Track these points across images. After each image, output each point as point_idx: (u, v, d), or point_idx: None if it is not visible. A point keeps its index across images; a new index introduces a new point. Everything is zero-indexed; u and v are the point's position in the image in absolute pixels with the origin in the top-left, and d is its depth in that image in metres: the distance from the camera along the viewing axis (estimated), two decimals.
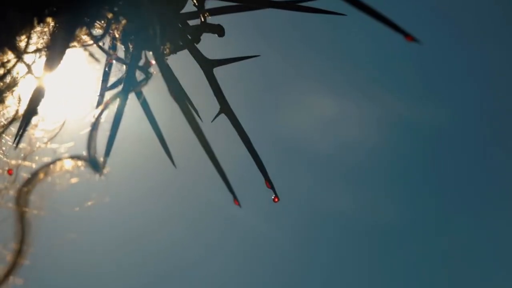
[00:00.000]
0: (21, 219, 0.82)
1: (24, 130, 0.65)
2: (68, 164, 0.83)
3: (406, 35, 0.63)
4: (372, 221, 3.65)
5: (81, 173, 0.86)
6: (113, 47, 0.74)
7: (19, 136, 0.65)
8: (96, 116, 0.79)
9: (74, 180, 0.86)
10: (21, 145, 0.82)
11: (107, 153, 0.69)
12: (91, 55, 0.82)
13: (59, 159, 0.83)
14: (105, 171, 0.82)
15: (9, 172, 0.83)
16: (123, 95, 0.70)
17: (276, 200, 0.76)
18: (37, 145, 0.81)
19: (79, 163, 0.83)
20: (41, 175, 0.82)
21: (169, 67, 0.72)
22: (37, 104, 0.65)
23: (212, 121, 0.76)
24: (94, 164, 0.83)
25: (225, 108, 0.76)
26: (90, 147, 0.81)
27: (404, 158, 3.71)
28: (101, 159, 0.83)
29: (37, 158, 0.83)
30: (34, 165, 0.83)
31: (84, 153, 0.83)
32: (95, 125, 0.80)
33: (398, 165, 3.71)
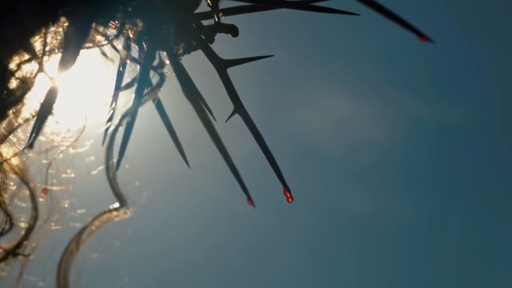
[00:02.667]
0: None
1: (39, 130, 0.65)
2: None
3: (420, 34, 0.63)
4: (387, 222, 3.64)
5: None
6: (127, 47, 0.74)
7: (33, 137, 0.65)
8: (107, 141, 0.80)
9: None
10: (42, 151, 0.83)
11: (121, 155, 0.69)
12: (104, 55, 0.82)
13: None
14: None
15: (44, 192, 0.84)
16: (137, 95, 0.70)
17: (290, 200, 0.75)
18: (58, 151, 0.82)
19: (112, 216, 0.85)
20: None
21: (183, 67, 0.72)
22: (52, 105, 0.65)
23: (226, 122, 0.76)
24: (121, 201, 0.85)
25: (239, 108, 0.76)
26: (112, 182, 0.83)
27: (419, 159, 3.70)
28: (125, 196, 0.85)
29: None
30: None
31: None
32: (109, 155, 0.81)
33: (413, 165, 3.70)
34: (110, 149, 0.88)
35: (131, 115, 0.69)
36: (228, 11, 0.80)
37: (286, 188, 0.73)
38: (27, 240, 0.82)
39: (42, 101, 0.65)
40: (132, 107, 0.69)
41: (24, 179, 0.81)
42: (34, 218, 0.82)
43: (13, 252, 0.80)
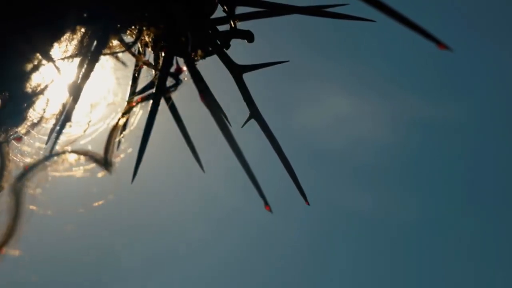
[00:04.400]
0: (16, 208, 0.81)
1: (59, 135, 0.66)
2: (72, 157, 0.82)
3: (438, 43, 0.63)
4: (385, 220, 3.65)
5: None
6: (144, 53, 0.75)
7: (53, 142, 0.66)
8: (120, 120, 0.80)
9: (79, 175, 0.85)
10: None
11: (139, 159, 0.69)
12: (119, 60, 0.82)
13: (63, 152, 0.82)
14: (113, 169, 0.82)
15: (26, 167, 0.83)
16: (154, 101, 0.71)
17: (307, 203, 0.76)
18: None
19: (83, 157, 0.83)
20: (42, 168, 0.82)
21: (200, 74, 0.72)
22: (72, 110, 0.66)
23: (242, 127, 0.76)
24: (105, 163, 0.83)
25: (254, 113, 0.76)
26: (108, 147, 0.82)
27: (417, 157, 3.71)
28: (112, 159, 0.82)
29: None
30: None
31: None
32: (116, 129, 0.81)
33: (411, 164, 3.71)
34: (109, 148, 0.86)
35: (148, 121, 0.70)
36: (241, 17, 0.80)
37: (302, 193, 0.74)
38: None
39: (63, 106, 0.66)
40: (150, 114, 0.70)
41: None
42: None
43: None
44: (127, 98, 0.81)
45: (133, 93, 0.81)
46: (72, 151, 0.78)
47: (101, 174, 0.78)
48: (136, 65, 0.79)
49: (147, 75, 0.81)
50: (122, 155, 0.78)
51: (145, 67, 0.80)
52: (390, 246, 3.70)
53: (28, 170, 0.74)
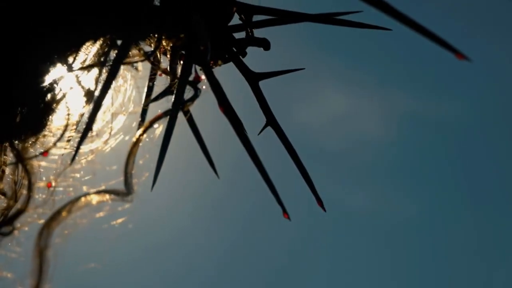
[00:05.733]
0: (40, 256, 0.82)
1: (80, 144, 0.66)
2: (95, 199, 0.83)
3: (457, 53, 0.64)
4: (382, 218, 3.66)
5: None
6: (163, 61, 0.75)
7: (75, 150, 0.67)
8: (138, 136, 0.81)
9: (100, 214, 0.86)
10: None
11: (158, 170, 0.70)
12: (135, 67, 0.83)
13: (86, 195, 0.83)
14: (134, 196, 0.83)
15: (48, 185, 0.84)
16: (173, 110, 0.71)
17: (319, 205, 0.77)
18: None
19: (107, 197, 0.84)
20: (65, 213, 0.83)
21: (219, 82, 0.73)
22: (94, 120, 0.66)
23: (258, 134, 0.77)
24: (128, 189, 0.84)
25: (271, 121, 0.77)
26: (127, 175, 0.83)
27: (415, 155, 3.72)
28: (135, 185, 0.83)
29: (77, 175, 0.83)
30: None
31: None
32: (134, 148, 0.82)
33: (409, 162, 3.72)
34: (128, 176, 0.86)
35: (167, 130, 0.70)
36: (255, 24, 0.81)
37: (319, 200, 0.75)
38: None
39: (85, 116, 0.66)
40: (169, 123, 0.70)
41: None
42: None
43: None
44: (143, 105, 0.82)
45: (149, 99, 0.82)
46: (94, 193, 0.79)
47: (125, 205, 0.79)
48: (152, 74, 0.79)
49: (163, 81, 0.82)
50: (143, 178, 0.79)
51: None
52: (389, 245, 3.71)
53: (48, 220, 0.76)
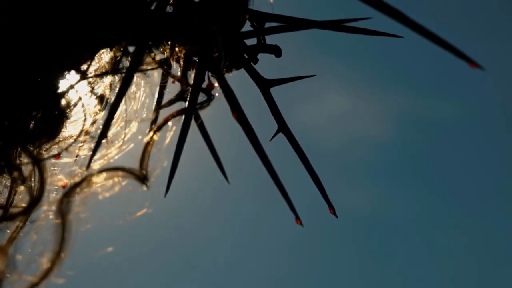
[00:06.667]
0: (62, 227, 0.83)
1: (96, 151, 0.66)
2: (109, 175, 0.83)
3: (470, 62, 0.64)
4: (380, 218, 3.67)
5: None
6: (175, 69, 0.76)
7: (91, 157, 0.67)
8: (152, 133, 0.81)
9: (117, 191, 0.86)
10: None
11: (171, 175, 0.70)
12: (146, 74, 0.83)
13: (102, 171, 0.83)
14: (150, 183, 0.83)
15: (63, 185, 0.84)
16: (187, 117, 0.71)
17: (332, 211, 0.77)
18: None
19: (121, 174, 0.84)
20: (84, 186, 0.83)
21: (232, 90, 0.73)
22: (108, 127, 0.66)
23: (270, 140, 0.77)
24: (142, 177, 0.84)
25: (282, 127, 0.77)
26: (143, 161, 0.83)
27: (414, 154, 3.73)
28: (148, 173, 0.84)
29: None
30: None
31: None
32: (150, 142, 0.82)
33: (407, 161, 3.72)
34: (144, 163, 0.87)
35: (181, 137, 0.71)
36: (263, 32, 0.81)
37: (331, 207, 0.75)
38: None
39: (99, 123, 0.67)
40: (182, 129, 0.70)
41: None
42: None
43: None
44: (154, 109, 0.82)
45: (160, 105, 0.82)
46: (108, 169, 0.78)
47: (139, 189, 0.79)
48: (163, 80, 0.80)
49: (173, 87, 0.82)
50: (158, 170, 0.79)
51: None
52: (388, 244, 3.71)
53: (68, 189, 0.75)
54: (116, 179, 0.78)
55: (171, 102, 0.82)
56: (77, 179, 0.75)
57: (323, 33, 0.82)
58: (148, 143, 0.78)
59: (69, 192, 0.75)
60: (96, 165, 0.77)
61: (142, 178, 0.79)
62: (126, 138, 0.77)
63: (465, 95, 3.60)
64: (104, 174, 0.78)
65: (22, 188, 0.71)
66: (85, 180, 0.75)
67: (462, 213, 3.78)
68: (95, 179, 0.76)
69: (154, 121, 0.82)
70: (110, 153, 0.77)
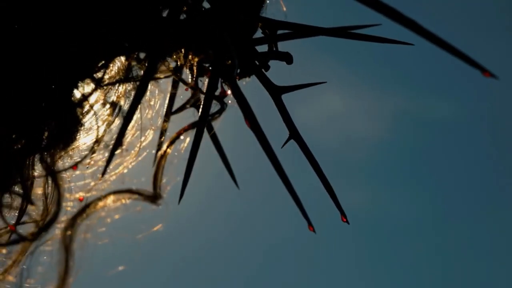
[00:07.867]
0: (66, 250, 0.83)
1: (110, 161, 0.67)
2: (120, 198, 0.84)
3: (484, 70, 0.64)
4: (377, 217, 3.68)
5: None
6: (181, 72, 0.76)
7: (105, 168, 0.67)
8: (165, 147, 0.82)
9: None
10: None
11: (184, 184, 0.70)
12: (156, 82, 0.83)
13: (113, 193, 0.84)
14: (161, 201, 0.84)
15: (80, 199, 0.84)
16: (200, 125, 0.72)
17: (344, 220, 0.77)
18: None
19: (134, 196, 0.84)
20: (92, 208, 0.83)
21: (245, 97, 0.73)
22: (123, 136, 0.67)
23: (281, 147, 0.77)
24: (154, 197, 0.85)
25: (294, 134, 0.77)
26: (156, 178, 0.84)
27: (411, 154, 3.73)
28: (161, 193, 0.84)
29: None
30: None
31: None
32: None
33: (405, 160, 3.73)
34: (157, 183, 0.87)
35: (194, 145, 0.71)
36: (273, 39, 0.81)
37: (343, 214, 0.75)
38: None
39: (114, 131, 0.67)
40: (195, 137, 0.71)
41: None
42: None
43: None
44: (164, 116, 0.82)
45: (170, 111, 0.83)
46: (116, 192, 0.79)
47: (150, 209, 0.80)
48: (175, 87, 0.80)
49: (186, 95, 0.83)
50: (169, 187, 0.79)
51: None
52: (386, 244, 3.72)
53: (74, 216, 0.76)
54: (123, 201, 0.79)
55: (182, 108, 0.82)
56: (84, 203, 0.76)
57: (328, 37, 0.82)
58: (161, 157, 0.78)
59: (74, 219, 0.75)
60: (111, 175, 0.77)
61: (151, 197, 0.80)
62: (141, 147, 0.77)
63: (463, 95, 3.60)
64: (111, 197, 0.78)
65: (33, 207, 0.71)
66: (92, 204, 0.76)
67: (460, 213, 3.79)
68: (102, 203, 0.77)
69: (165, 131, 0.83)
70: (126, 162, 0.78)
